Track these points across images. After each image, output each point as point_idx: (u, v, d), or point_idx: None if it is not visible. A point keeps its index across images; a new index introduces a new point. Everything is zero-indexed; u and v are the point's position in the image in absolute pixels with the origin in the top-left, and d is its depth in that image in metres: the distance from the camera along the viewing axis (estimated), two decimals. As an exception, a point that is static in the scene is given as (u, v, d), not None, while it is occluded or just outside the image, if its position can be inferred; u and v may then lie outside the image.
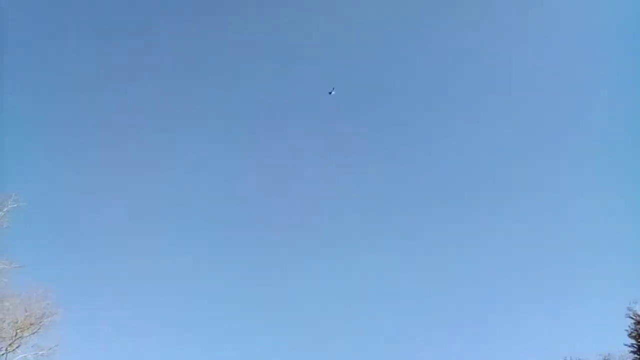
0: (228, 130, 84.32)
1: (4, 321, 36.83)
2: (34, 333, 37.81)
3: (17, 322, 37.20)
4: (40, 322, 38.05)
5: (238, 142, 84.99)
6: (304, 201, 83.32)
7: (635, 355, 40.74)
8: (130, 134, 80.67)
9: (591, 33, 78.15)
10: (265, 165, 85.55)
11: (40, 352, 37.48)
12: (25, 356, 37.17)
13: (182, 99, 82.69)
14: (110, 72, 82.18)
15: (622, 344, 41.48)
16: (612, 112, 75.49)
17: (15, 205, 37.07)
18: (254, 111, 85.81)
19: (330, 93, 61.49)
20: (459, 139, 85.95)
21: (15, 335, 36.95)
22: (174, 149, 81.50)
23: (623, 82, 73.16)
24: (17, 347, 36.93)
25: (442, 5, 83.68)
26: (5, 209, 36.78)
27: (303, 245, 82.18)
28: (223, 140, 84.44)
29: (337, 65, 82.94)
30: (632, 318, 40.81)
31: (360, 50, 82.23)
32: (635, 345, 40.58)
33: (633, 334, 40.69)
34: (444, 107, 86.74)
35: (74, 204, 73.62)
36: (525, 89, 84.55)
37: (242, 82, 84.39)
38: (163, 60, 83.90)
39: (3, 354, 36.17)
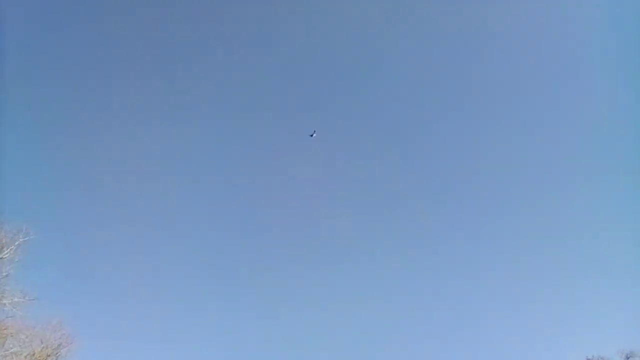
0: (229, 130, 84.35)
1: (22, 354, 37.12)
2: (51, 364, 38.11)
3: (34, 354, 37.50)
4: (57, 353, 38.37)
5: (237, 142, 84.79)
6: (303, 202, 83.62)
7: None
8: (132, 135, 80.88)
9: (589, 31, 77.85)
10: (266, 166, 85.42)
11: (59, 383, 37.79)
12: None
13: (183, 99, 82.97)
14: (107, 74, 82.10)
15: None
16: (611, 106, 74.96)
17: (26, 238, 37.62)
18: (251, 111, 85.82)
19: (311, 135, 63.57)
20: (460, 137, 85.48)
21: (33, 368, 37.24)
22: (178, 151, 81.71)
23: (623, 81, 72.82)
24: (35, 380, 37.18)
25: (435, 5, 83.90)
26: (17, 243, 37.33)
27: (302, 246, 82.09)
28: (224, 140, 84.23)
29: (338, 57, 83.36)
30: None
31: (360, 42, 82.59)
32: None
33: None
34: (439, 106, 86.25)
35: (78, 222, 73.74)
36: (522, 88, 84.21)
37: (241, 80, 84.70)
38: (163, 61, 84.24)
39: (22, 387, 36.41)
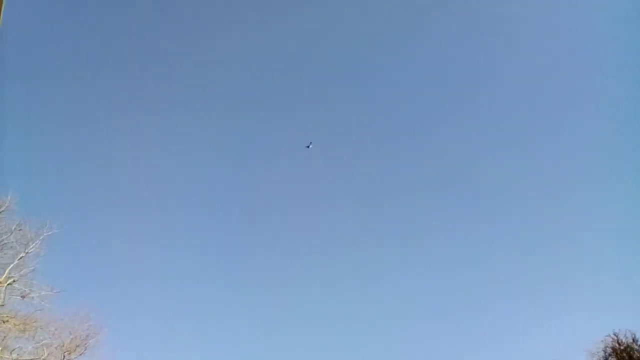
0: (227, 126, 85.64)
1: (52, 345, 37.88)
2: (80, 354, 38.84)
3: (63, 346, 38.23)
4: (85, 344, 39.06)
5: (236, 137, 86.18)
6: (302, 197, 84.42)
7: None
8: (143, 131, 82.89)
9: (588, 30, 76.59)
10: (269, 167, 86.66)
11: (89, 374, 38.56)
12: (75, 378, 38.24)
13: (186, 99, 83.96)
14: (112, 76, 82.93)
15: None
16: (610, 104, 74.09)
17: (50, 232, 38.14)
18: (251, 111, 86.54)
19: (307, 147, 64.64)
20: (460, 135, 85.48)
21: (64, 358, 38.01)
22: (182, 150, 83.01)
23: (622, 81, 71.84)
24: (66, 371, 37.99)
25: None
26: (42, 237, 37.86)
27: (303, 242, 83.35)
28: (223, 135, 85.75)
29: (338, 51, 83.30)
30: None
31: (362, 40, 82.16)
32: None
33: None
34: (436, 105, 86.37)
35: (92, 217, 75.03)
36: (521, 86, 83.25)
37: (241, 79, 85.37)
38: (165, 61, 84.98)
39: (54, 378, 37.23)
